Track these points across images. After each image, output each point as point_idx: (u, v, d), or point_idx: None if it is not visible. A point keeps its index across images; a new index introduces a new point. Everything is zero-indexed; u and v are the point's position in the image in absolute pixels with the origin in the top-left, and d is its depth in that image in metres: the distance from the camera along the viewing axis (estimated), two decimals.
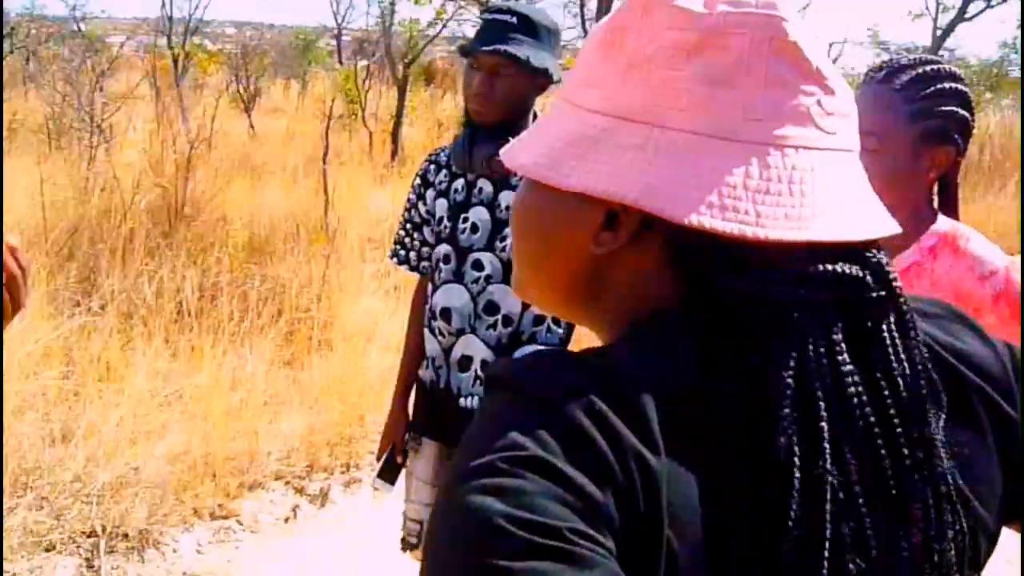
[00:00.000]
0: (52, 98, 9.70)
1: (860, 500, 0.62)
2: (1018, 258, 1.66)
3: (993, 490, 0.73)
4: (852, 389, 0.64)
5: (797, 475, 0.60)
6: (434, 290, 2.32)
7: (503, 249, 2.23)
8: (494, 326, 2.25)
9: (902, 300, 0.68)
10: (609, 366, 0.63)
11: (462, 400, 2.32)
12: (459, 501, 0.56)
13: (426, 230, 2.39)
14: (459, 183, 2.32)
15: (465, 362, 2.29)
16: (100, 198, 6.82)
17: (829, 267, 0.65)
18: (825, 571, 0.60)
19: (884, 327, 0.67)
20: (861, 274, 0.66)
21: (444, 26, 11.45)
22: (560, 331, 2.29)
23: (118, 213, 6.39)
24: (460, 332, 2.28)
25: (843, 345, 0.64)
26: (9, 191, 7.39)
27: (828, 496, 0.61)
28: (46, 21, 16.50)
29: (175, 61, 15.64)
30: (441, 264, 2.30)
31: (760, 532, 0.60)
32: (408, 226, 2.45)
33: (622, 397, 0.60)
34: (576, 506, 0.55)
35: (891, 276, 0.68)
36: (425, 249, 2.41)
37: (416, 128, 14.42)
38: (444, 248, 2.31)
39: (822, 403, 0.62)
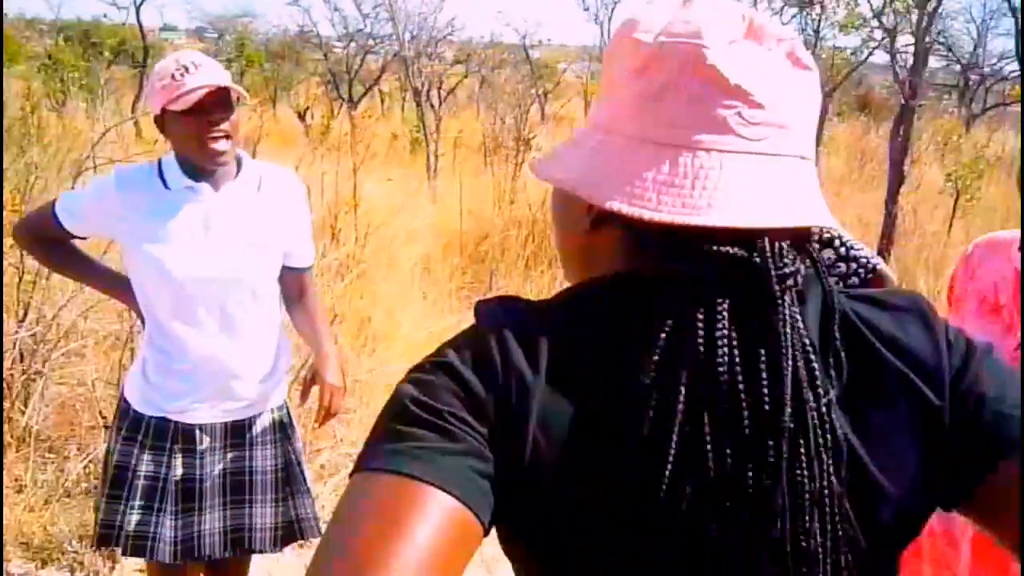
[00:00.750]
0: (490, 119, 10.84)
1: (708, 445, 0.75)
2: None
3: (902, 466, 0.81)
4: (722, 352, 0.75)
5: (652, 407, 0.75)
6: None
7: None
8: None
9: (793, 283, 0.78)
10: (537, 311, 0.83)
11: None
12: (397, 385, 0.80)
13: None
14: None
15: None
16: (510, 210, 7.56)
17: (719, 248, 0.77)
18: (663, 490, 0.74)
19: (774, 306, 0.77)
20: (747, 256, 0.77)
21: (870, 53, 11.05)
22: None
23: (523, 225, 7.06)
24: None
25: (725, 316, 0.76)
26: (443, 200, 8.45)
27: (676, 430, 0.74)
28: (500, 47, 18.20)
29: None
30: None
31: (611, 450, 0.76)
32: None
33: (528, 333, 0.80)
34: (464, 399, 0.77)
35: (783, 262, 0.78)
36: None
37: (837, 158, 14.04)
38: None
39: (687, 355, 0.75)
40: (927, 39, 6.98)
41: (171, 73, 2.11)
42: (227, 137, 2.15)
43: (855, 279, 2.06)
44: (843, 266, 2.09)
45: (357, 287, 6.16)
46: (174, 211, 2.18)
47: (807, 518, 0.76)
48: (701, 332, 0.75)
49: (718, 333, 0.76)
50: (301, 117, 15.42)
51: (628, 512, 0.76)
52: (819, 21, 11.69)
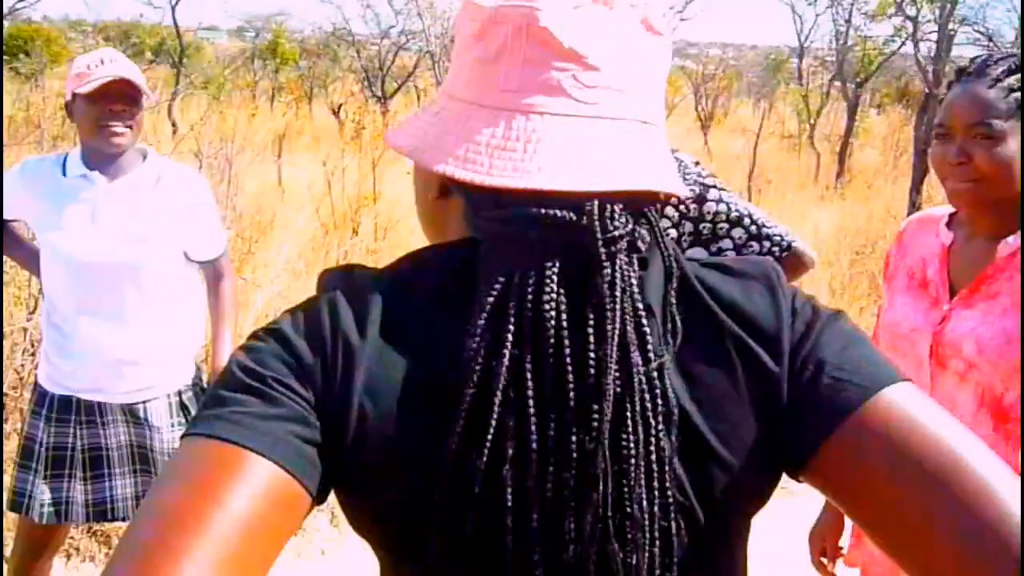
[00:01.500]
0: None
1: (530, 399, 0.74)
2: None
3: (738, 432, 0.79)
4: (549, 314, 0.75)
5: (477, 369, 0.74)
6: None
7: None
8: None
9: (626, 246, 0.78)
10: (374, 277, 0.82)
11: None
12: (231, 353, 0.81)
13: None
14: None
15: None
16: None
17: (547, 211, 0.76)
18: (486, 454, 0.73)
19: (600, 268, 0.76)
20: (574, 218, 0.76)
21: (903, 44, 10.90)
22: None
23: None
24: None
25: (554, 279, 0.75)
26: None
27: (499, 390, 0.73)
28: None
29: None
30: None
31: (436, 414, 0.75)
32: None
33: (361, 298, 0.79)
34: (291, 364, 0.77)
35: (613, 224, 0.77)
36: None
37: (872, 150, 13.87)
38: None
39: (512, 317, 0.75)
40: (951, 27, 6.88)
41: (86, 64, 2.29)
42: (127, 127, 2.30)
43: (770, 257, 2.09)
44: (755, 245, 2.10)
45: None
46: (66, 197, 2.33)
47: (632, 483, 0.75)
48: (530, 295, 0.75)
49: (545, 296, 0.75)
50: (335, 114, 15.56)
51: (451, 478, 0.75)
52: (850, 11, 11.57)
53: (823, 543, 1.94)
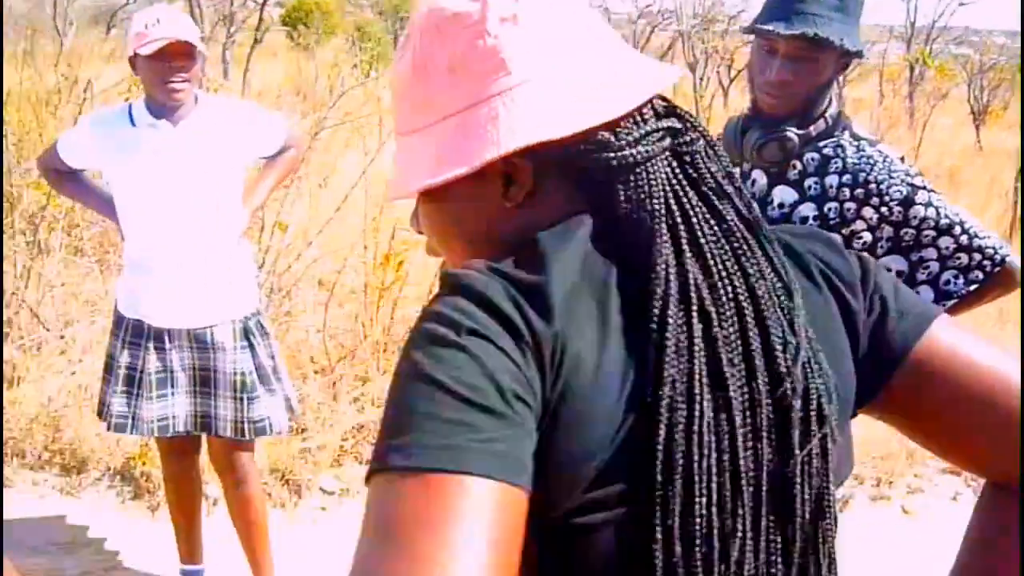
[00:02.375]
0: None
1: (718, 351, 0.76)
2: None
3: (847, 382, 0.86)
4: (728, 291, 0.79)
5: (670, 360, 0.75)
6: None
7: None
8: None
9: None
10: (526, 274, 0.76)
11: None
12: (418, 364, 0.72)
13: None
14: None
15: None
16: None
17: (661, 123, 0.82)
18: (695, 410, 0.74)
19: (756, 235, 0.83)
20: (680, 125, 0.83)
21: None
22: None
23: None
24: None
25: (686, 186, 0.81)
26: None
27: (698, 360, 0.75)
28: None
29: (910, 68, 15.53)
30: None
31: (636, 386, 0.74)
32: None
33: (532, 287, 0.75)
34: (514, 373, 0.71)
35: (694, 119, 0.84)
36: None
37: None
38: None
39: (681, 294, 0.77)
40: None
41: (144, 24, 2.52)
42: (185, 81, 2.55)
43: (978, 273, 1.84)
44: (964, 257, 1.87)
45: None
46: (137, 144, 2.60)
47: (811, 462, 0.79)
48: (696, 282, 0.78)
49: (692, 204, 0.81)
50: None
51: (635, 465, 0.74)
52: None
53: None
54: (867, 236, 1.88)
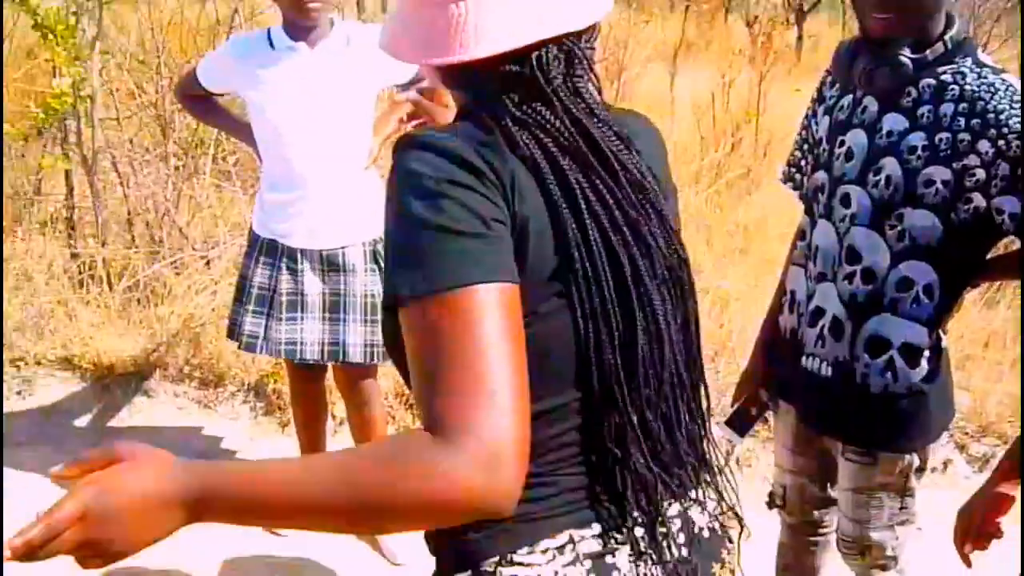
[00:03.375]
0: None
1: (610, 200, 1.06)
2: None
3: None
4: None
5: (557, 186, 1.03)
6: (811, 225, 1.96)
7: (876, 184, 1.79)
8: (851, 278, 1.85)
9: (551, 77, 1.05)
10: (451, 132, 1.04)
11: (804, 359, 1.95)
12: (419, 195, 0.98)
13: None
14: (847, 99, 1.91)
15: (817, 314, 1.91)
16: None
17: (501, 69, 1.04)
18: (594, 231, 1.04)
19: (556, 94, 1.06)
20: (519, 71, 1.04)
21: None
22: (930, 304, 1.81)
23: None
24: (822, 277, 1.91)
25: (533, 104, 1.05)
26: None
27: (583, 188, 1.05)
28: None
29: None
30: (818, 195, 1.94)
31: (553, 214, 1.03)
32: (805, 146, 2.07)
33: (489, 142, 1.02)
34: (492, 198, 0.98)
35: (552, 66, 1.05)
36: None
37: None
38: (820, 176, 1.93)
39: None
40: None
41: None
42: (319, 1, 2.57)
43: None
44: None
45: (741, 198, 6.06)
46: (276, 66, 2.66)
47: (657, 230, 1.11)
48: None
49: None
50: (749, 26, 15.04)
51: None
52: None
53: (974, 520, 1.73)
54: (980, 173, 1.69)
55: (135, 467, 0.90)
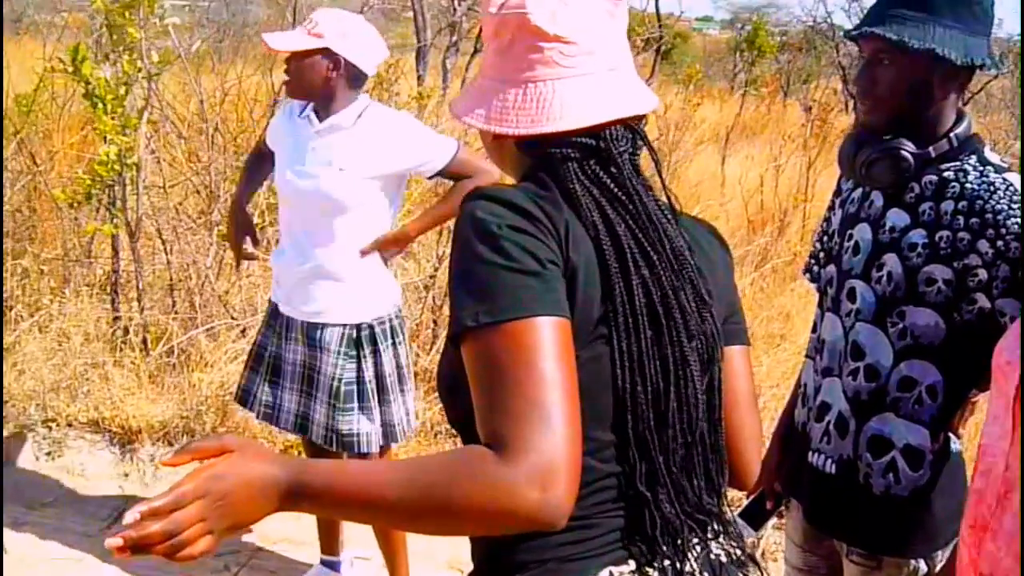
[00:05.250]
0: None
1: (644, 269, 1.15)
2: None
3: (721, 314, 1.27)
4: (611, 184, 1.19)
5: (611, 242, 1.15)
6: (820, 318, 1.94)
7: (879, 280, 1.77)
8: (855, 374, 1.81)
9: (619, 151, 1.20)
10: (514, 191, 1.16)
11: (810, 454, 1.90)
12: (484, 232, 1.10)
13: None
14: (858, 193, 1.89)
15: (823, 409, 1.88)
16: None
17: (575, 139, 1.19)
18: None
19: (621, 165, 1.20)
20: (593, 143, 1.19)
21: None
22: (933, 405, 1.76)
23: None
24: (828, 372, 1.88)
25: (597, 170, 1.19)
26: None
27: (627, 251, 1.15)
28: None
29: None
30: (827, 288, 1.92)
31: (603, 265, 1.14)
32: (824, 238, 2.04)
33: (547, 195, 1.16)
34: (552, 247, 1.11)
35: (620, 142, 1.20)
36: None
37: None
38: (831, 269, 1.92)
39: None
40: None
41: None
42: (287, 75, 2.69)
43: None
44: None
45: (786, 283, 5.98)
46: (289, 133, 2.77)
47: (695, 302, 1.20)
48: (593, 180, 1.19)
49: (601, 177, 1.20)
50: (808, 110, 15.03)
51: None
52: None
53: None
54: (982, 273, 1.63)
55: (244, 457, 1.00)
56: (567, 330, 1.05)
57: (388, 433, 2.83)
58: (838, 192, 2.01)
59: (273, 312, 2.88)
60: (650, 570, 1.14)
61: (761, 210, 6.87)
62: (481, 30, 1.26)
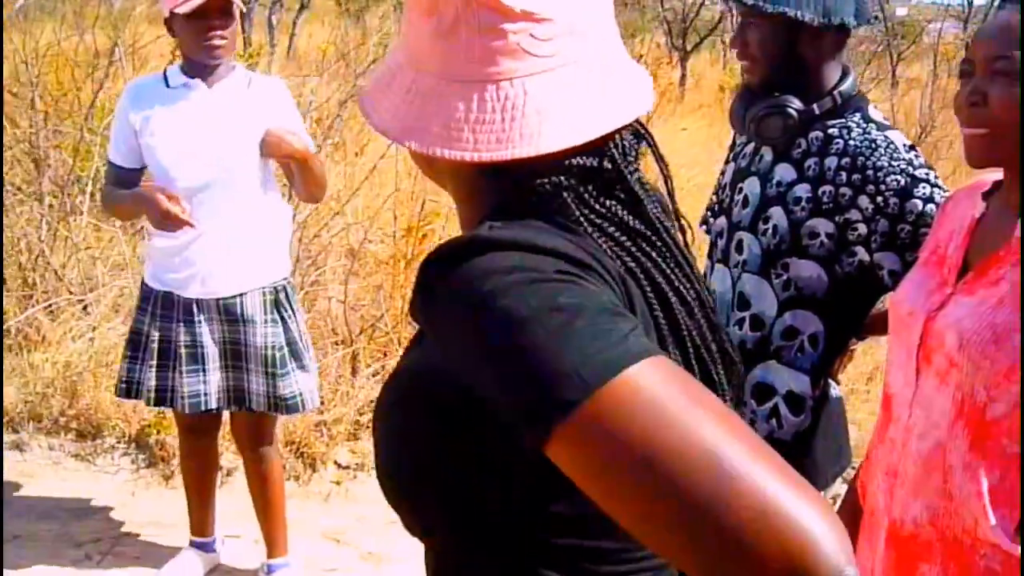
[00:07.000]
0: None
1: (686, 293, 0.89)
2: None
3: None
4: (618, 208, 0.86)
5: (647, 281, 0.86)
6: (710, 269, 1.99)
7: (764, 232, 1.83)
8: (741, 324, 1.87)
9: (630, 171, 0.86)
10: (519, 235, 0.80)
11: None
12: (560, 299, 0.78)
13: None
14: (750, 147, 1.95)
15: None
16: None
17: (566, 160, 0.82)
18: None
19: (634, 190, 0.85)
20: (595, 163, 0.83)
21: None
22: (814, 354, 1.84)
23: None
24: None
25: (603, 200, 0.85)
26: None
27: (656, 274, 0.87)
28: None
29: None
30: (718, 239, 1.97)
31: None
32: (719, 191, 2.10)
33: (568, 238, 0.82)
34: (615, 295, 0.80)
35: (628, 156, 0.86)
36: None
37: None
38: (721, 221, 1.97)
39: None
40: None
41: None
42: (223, 38, 2.52)
43: None
44: None
45: None
46: (170, 104, 2.58)
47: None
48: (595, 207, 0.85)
49: (602, 206, 0.86)
50: None
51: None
52: None
53: None
54: (862, 228, 1.73)
55: None
56: None
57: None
58: (732, 146, 2.06)
59: (162, 299, 2.70)
60: None
61: None
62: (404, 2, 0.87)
